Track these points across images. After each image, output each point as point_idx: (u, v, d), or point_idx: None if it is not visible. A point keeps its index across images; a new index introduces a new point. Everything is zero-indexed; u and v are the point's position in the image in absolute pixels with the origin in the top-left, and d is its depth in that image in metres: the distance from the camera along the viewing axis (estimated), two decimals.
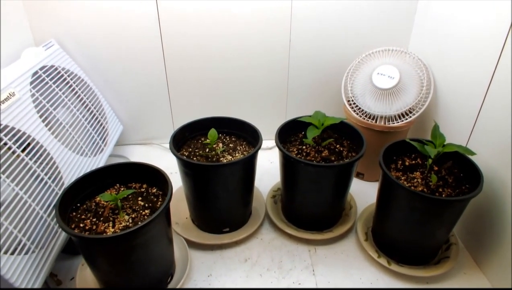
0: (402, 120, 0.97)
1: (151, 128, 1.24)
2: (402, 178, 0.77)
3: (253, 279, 0.80)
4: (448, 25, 0.93)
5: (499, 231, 0.76)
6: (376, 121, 0.99)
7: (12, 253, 0.62)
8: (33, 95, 0.80)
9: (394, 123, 0.97)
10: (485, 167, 0.76)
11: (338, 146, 0.87)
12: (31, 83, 0.82)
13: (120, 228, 0.65)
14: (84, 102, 1.01)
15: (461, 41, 0.87)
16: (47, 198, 0.73)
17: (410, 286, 0.79)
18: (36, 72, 0.85)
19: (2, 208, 0.62)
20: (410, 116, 0.97)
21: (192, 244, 0.86)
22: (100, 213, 0.68)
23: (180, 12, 1.02)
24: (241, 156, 0.83)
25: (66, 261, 0.82)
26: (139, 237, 0.63)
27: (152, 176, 0.74)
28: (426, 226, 0.75)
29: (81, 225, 0.66)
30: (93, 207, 0.70)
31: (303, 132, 0.91)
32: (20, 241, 0.64)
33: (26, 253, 0.65)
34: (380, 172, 0.78)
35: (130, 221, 0.67)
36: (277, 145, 0.83)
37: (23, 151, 0.71)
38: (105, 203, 0.70)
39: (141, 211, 0.69)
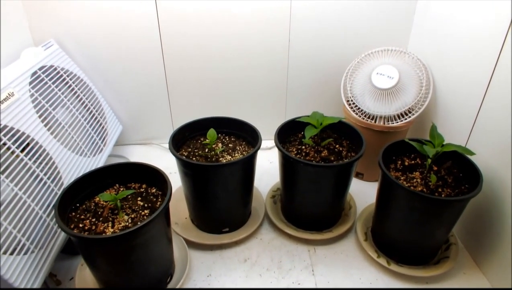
0: (402, 120, 0.97)
1: (150, 128, 1.24)
2: (402, 178, 0.77)
3: (253, 279, 0.80)
4: (447, 25, 0.93)
5: (499, 231, 0.76)
6: (375, 121, 0.99)
7: (12, 253, 0.62)
8: (32, 95, 0.80)
9: (393, 123, 0.97)
10: (484, 166, 0.76)
11: (337, 145, 0.87)
12: (30, 83, 0.82)
13: (120, 228, 0.65)
14: (84, 102, 1.01)
15: (460, 41, 0.87)
16: (47, 198, 0.73)
17: (410, 286, 0.79)
18: (35, 72, 0.85)
19: (2, 208, 0.62)
20: (410, 116, 0.97)
21: (191, 244, 0.86)
22: (99, 213, 0.68)
23: (180, 12, 1.02)
24: (240, 156, 0.83)
25: (66, 261, 0.82)
26: (139, 237, 0.63)
27: (152, 176, 0.74)
28: (425, 226, 0.75)
29: (81, 225, 0.66)
30: (92, 207, 0.70)
31: (302, 133, 0.91)
32: (20, 241, 0.64)
33: (25, 253, 0.65)
34: (379, 172, 0.78)
35: (130, 221, 0.66)
36: (276, 145, 0.83)
37: (22, 151, 0.71)
38: (104, 203, 0.70)
39: (141, 211, 0.69)
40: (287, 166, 0.84)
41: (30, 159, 0.72)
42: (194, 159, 0.82)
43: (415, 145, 0.78)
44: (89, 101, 1.03)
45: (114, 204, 0.67)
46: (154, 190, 0.74)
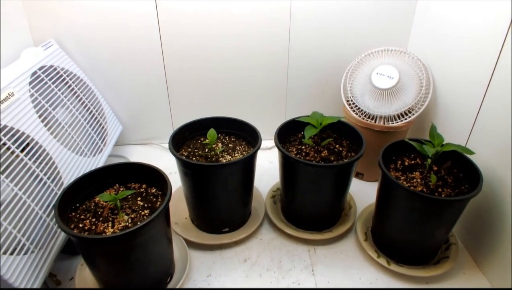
0: (402, 120, 0.97)
1: (150, 128, 1.24)
2: (402, 178, 0.77)
3: (253, 279, 0.80)
4: (447, 25, 0.93)
5: (499, 231, 0.76)
6: (375, 121, 0.99)
7: (12, 253, 0.62)
8: (32, 95, 0.80)
9: (393, 123, 0.97)
10: (484, 166, 0.76)
11: (337, 145, 0.87)
12: (30, 83, 0.82)
13: (120, 228, 0.65)
14: (83, 102, 1.01)
15: (460, 41, 0.87)
16: (46, 198, 0.73)
17: (410, 286, 0.79)
18: (35, 73, 0.85)
19: (2, 208, 0.62)
20: (410, 116, 0.97)
21: (191, 244, 0.86)
22: (99, 213, 0.68)
23: (180, 12, 1.02)
24: (240, 156, 0.83)
25: (66, 261, 0.82)
26: (139, 237, 0.63)
27: (152, 176, 0.74)
28: (425, 226, 0.75)
29: (80, 225, 0.66)
30: (92, 207, 0.70)
31: (302, 133, 0.91)
32: (20, 241, 0.64)
33: (25, 253, 0.65)
34: (379, 172, 0.78)
35: (130, 221, 0.66)
36: (276, 145, 0.83)
37: (22, 151, 0.71)
38: (104, 203, 0.70)
39: (141, 211, 0.69)
40: (287, 166, 0.84)
41: (30, 159, 0.72)
42: (194, 159, 0.82)
43: (415, 144, 0.78)
44: (89, 101, 1.03)
45: (114, 204, 0.67)
46: (154, 190, 0.74)
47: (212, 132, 0.82)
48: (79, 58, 1.06)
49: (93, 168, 0.85)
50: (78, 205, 0.70)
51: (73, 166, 0.84)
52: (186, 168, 0.79)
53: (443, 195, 0.72)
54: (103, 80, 1.11)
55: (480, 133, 0.81)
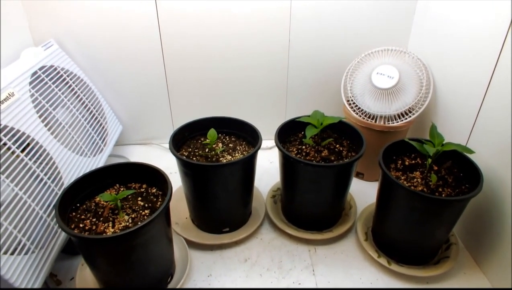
0: (402, 120, 0.97)
1: (150, 128, 1.24)
2: (402, 178, 0.77)
3: (253, 279, 0.80)
4: (447, 25, 0.93)
5: (499, 231, 0.76)
6: (375, 121, 0.99)
7: (12, 253, 0.62)
8: (32, 95, 0.80)
9: (393, 123, 0.97)
10: (484, 166, 0.76)
11: (337, 145, 0.87)
12: (31, 83, 0.82)
13: (120, 228, 0.65)
14: (84, 102, 1.01)
15: (461, 41, 0.87)
16: (47, 198, 0.73)
17: (410, 286, 0.79)
18: (35, 73, 0.85)
19: (2, 208, 0.62)
20: (410, 116, 0.97)
21: (192, 244, 0.86)
22: (99, 213, 0.68)
23: (180, 12, 1.02)
24: (240, 155, 0.83)
25: (66, 261, 0.82)
26: (139, 237, 0.63)
27: (152, 176, 0.74)
28: (426, 226, 0.75)
29: (81, 225, 0.66)
30: (92, 207, 0.70)
31: (302, 132, 0.91)
32: (20, 241, 0.64)
33: (26, 253, 0.65)
34: (379, 172, 0.78)
35: (130, 221, 0.66)
36: (276, 145, 0.83)
37: (22, 151, 0.71)
38: (104, 203, 0.70)
39: (141, 211, 0.69)
40: (288, 165, 0.84)
41: (30, 159, 0.72)
42: (194, 159, 0.82)
43: (415, 144, 0.78)
44: (89, 101, 1.03)
45: (114, 204, 0.67)
46: (154, 190, 0.74)
47: (212, 132, 0.82)
48: (79, 58, 1.06)
49: (94, 167, 0.85)
50: (78, 205, 0.70)
51: (73, 166, 0.84)
52: (187, 168, 0.79)
53: (443, 195, 0.72)
54: (103, 80, 1.11)
55: (480, 133, 0.81)
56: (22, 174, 0.69)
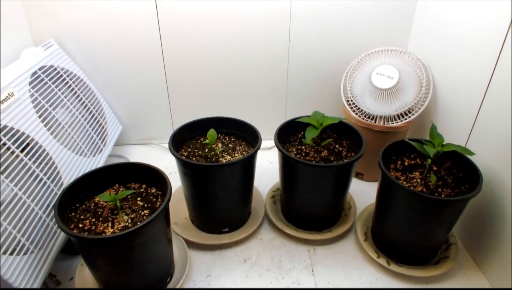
0: (402, 120, 0.97)
1: (150, 128, 1.24)
2: (402, 178, 0.77)
3: (253, 279, 0.80)
4: (447, 25, 0.93)
5: (499, 231, 0.76)
6: (375, 122, 0.99)
7: (11, 253, 0.62)
8: (32, 95, 0.80)
9: (393, 123, 0.97)
10: (484, 167, 0.76)
11: (337, 146, 0.87)
12: (30, 83, 0.82)
13: (119, 228, 0.65)
14: (83, 102, 1.01)
15: (460, 41, 0.87)
16: (46, 198, 0.73)
17: (410, 286, 0.79)
18: (35, 73, 0.85)
19: (2, 208, 0.62)
20: (410, 116, 0.97)
21: (191, 244, 0.86)
22: (99, 213, 0.68)
23: (180, 12, 1.02)
24: (240, 156, 0.83)
25: (65, 261, 0.82)
26: (138, 237, 0.63)
27: (151, 176, 0.74)
28: (425, 226, 0.75)
29: (80, 225, 0.66)
30: (92, 207, 0.70)
31: (302, 133, 0.91)
32: (19, 241, 0.64)
33: (25, 253, 0.65)
34: (379, 172, 0.78)
35: (129, 221, 0.66)
36: (276, 145, 0.83)
37: (22, 151, 0.71)
38: (104, 203, 0.70)
39: (140, 211, 0.69)
40: (287, 166, 0.84)
41: (30, 159, 0.72)
42: (194, 159, 0.82)
43: (415, 144, 0.78)
44: (89, 101, 1.03)
45: (113, 204, 0.67)
46: (154, 190, 0.74)
47: (212, 132, 0.82)
48: (79, 58, 1.06)
49: (93, 168, 0.85)
50: (78, 205, 0.70)
51: (73, 166, 0.84)
52: (186, 168, 0.79)
53: (443, 195, 0.72)
54: (103, 80, 1.11)
55: (480, 133, 0.81)
56: (22, 174, 0.69)
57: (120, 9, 1.00)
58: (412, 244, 0.79)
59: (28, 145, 0.74)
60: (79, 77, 1.02)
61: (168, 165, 0.89)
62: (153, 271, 0.70)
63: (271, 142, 0.94)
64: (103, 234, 0.63)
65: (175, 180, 0.86)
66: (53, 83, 0.90)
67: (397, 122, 0.97)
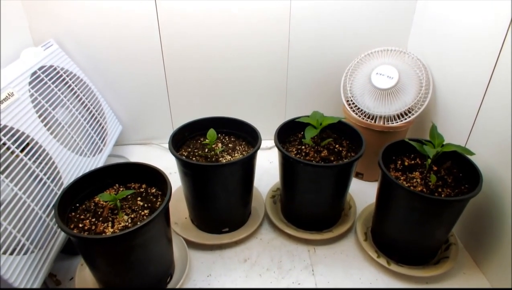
0: (401, 120, 0.97)
1: (150, 128, 1.24)
2: (402, 178, 0.77)
3: (253, 279, 0.80)
4: (447, 25, 0.93)
5: (499, 231, 0.76)
6: (375, 121, 0.99)
7: (12, 253, 0.62)
8: (32, 95, 0.80)
9: (393, 123, 0.97)
10: (484, 166, 0.76)
11: (337, 145, 0.87)
12: (30, 83, 0.82)
13: (119, 228, 0.65)
14: (83, 102, 1.01)
15: (460, 41, 0.87)
16: (46, 198, 0.73)
17: (410, 286, 0.79)
18: (35, 72, 0.85)
19: (2, 208, 0.62)
20: (409, 116, 0.97)
21: (191, 244, 0.86)
22: (99, 213, 0.68)
23: (180, 12, 1.02)
24: (240, 156, 0.83)
25: (65, 261, 0.82)
26: (138, 237, 0.62)
27: (151, 176, 0.74)
28: (425, 226, 0.75)
29: (80, 225, 0.66)
30: (92, 207, 0.70)
31: (302, 133, 0.91)
32: (19, 241, 0.64)
33: (25, 253, 0.65)
34: (379, 172, 0.78)
35: (129, 221, 0.66)
36: (276, 145, 0.83)
37: (22, 151, 0.71)
38: (104, 203, 0.70)
39: (140, 211, 0.69)
40: (287, 166, 0.84)
41: (30, 159, 0.72)
42: (194, 159, 0.82)
43: (415, 145, 0.78)
44: (89, 101, 1.03)
45: (113, 204, 0.67)
46: (154, 190, 0.74)
47: (212, 132, 0.82)
48: (79, 58, 1.06)
49: (93, 168, 0.85)
50: (78, 205, 0.70)
51: (73, 166, 0.84)
52: (186, 168, 0.79)
53: (443, 195, 0.72)
54: (103, 80, 1.11)
55: (480, 133, 0.81)
56: (22, 174, 0.69)
57: (120, 9, 1.00)
58: (412, 244, 0.79)
59: (28, 144, 0.74)
60: (79, 77, 1.02)
61: (168, 164, 0.89)
62: (153, 271, 0.70)
63: (271, 142, 0.94)
64: (103, 234, 0.63)
65: (175, 179, 0.86)
66: (53, 83, 0.90)
67: (397, 122, 0.97)
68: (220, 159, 0.82)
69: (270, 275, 0.81)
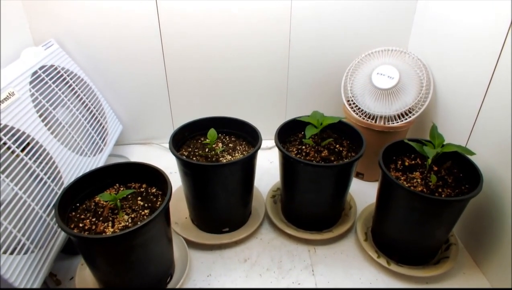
0: (402, 120, 0.97)
1: (150, 128, 1.24)
2: (402, 178, 0.77)
3: (253, 279, 0.80)
4: (447, 25, 0.93)
5: (499, 231, 0.76)
6: (375, 121, 0.99)
7: (12, 253, 0.62)
8: (32, 95, 0.80)
9: (393, 123, 0.97)
10: (484, 167, 0.76)
11: (337, 145, 0.87)
12: (31, 83, 0.82)
13: (120, 228, 0.65)
14: (84, 102, 1.01)
15: (461, 41, 0.87)
16: (47, 198, 0.73)
17: (410, 286, 0.79)
18: (35, 72, 0.85)
19: (2, 207, 0.62)
20: (410, 116, 0.97)
21: (191, 244, 0.86)
22: (99, 212, 0.68)
23: (180, 12, 1.02)
24: (240, 155, 0.83)
25: (66, 261, 0.82)
26: (139, 237, 0.63)
27: (152, 176, 0.74)
28: (425, 226, 0.75)
29: (81, 224, 0.66)
30: (92, 206, 0.70)
31: (302, 132, 0.91)
32: (20, 240, 0.64)
33: (25, 253, 0.65)
34: (379, 172, 0.78)
35: (130, 220, 0.66)
36: (276, 145, 0.83)
37: (22, 150, 0.71)
38: (104, 203, 0.70)
39: (141, 211, 0.69)
40: (287, 165, 0.84)
41: (30, 159, 0.72)
42: (194, 158, 0.82)
43: (415, 145, 0.78)
44: (89, 101, 1.03)
45: (114, 203, 0.67)
46: (154, 190, 0.74)
47: (212, 132, 0.82)
48: (79, 58, 1.06)
49: (94, 167, 0.85)
50: (78, 204, 0.70)
51: (73, 166, 0.84)
52: (186, 167, 0.79)
53: (443, 195, 0.72)
54: (103, 80, 1.11)
55: (480, 133, 0.81)
56: (22, 173, 0.69)
57: (120, 9, 1.00)
58: (412, 244, 0.79)
59: (28, 144, 0.74)
60: (79, 77, 1.02)
61: (168, 164, 0.89)
62: (153, 270, 0.70)
63: (272, 142, 0.94)
64: (104, 234, 0.63)
65: (175, 179, 0.87)
66: (53, 82, 0.90)
67: (398, 122, 0.97)
68: (221, 158, 0.82)
69: (270, 275, 0.81)
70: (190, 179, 0.81)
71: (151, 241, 0.66)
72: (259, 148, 0.81)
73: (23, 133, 0.73)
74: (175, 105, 1.20)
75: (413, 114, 0.97)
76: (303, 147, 0.86)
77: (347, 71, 1.06)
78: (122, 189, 0.75)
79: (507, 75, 0.72)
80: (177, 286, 0.75)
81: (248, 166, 0.83)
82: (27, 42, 1.00)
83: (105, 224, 0.65)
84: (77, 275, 0.76)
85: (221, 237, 0.88)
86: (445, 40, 0.94)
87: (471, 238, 0.86)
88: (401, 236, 0.79)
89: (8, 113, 0.71)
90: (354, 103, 1.03)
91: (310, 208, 0.88)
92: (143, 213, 0.68)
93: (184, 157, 0.80)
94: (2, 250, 0.60)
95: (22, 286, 0.62)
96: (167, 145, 0.82)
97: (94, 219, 0.67)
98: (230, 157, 0.83)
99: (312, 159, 0.82)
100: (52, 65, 0.93)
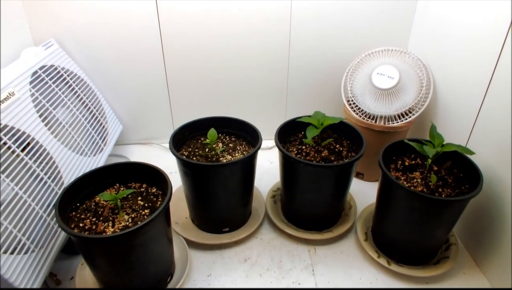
0: (402, 120, 0.97)
1: (151, 128, 1.24)
2: (402, 178, 0.77)
3: (253, 279, 0.80)
4: (447, 25, 0.93)
5: (499, 231, 0.76)
6: (375, 121, 0.99)
7: (12, 253, 0.62)
8: (32, 95, 0.80)
9: (393, 123, 0.97)
10: (484, 167, 0.76)
11: (337, 145, 0.87)
12: (31, 82, 0.82)
13: (120, 227, 0.65)
14: (84, 102, 1.01)
15: (461, 41, 0.87)
16: (47, 198, 0.73)
17: (410, 286, 0.79)
18: (35, 72, 0.85)
19: (2, 207, 0.62)
20: (410, 116, 0.97)
21: (191, 244, 0.86)
22: (99, 212, 0.68)
23: (180, 12, 1.02)
24: (240, 155, 0.83)
25: (66, 261, 0.82)
26: (139, 236, 0.63)
27: (152, 176, 0.74)
28: (425, 226, 0.75)
29: (81, 224, 0.66)
30: (92, 206, 0.70)
31: (302, 132, 0.91)
32: (20, 240, 0.64)
33: (25, 253, 0.65)
34: (379, 172, 0.78)
35: (130, 220, 0.66)
36: (276, 145, 0.83)
37: (22, 150, 0.71)
38: (104, 203, 0.70)
39: (141, 211, 0.69)
40: (288, 165, 0.84)
41: (30, 159, 0.72)
42: (194, 158, 0.82)
43: (415, 145, 0.78)
44: (89, 101, 1.03)
45: (114, 203, 0.67)
46: (154, 190, 0.74)
47: (212, 132, 0.82)
48: (79, 58, 1.06)
49: (94, 167, 0.85)
50: (78, 204, 0.70)
51: (73, 165, 0.84)
52: (187, 167, 0.79)
53: (443, 195, 0.72)
54: (103, 80, 1.11)
55: (480, 133, 0.81)
56: (22, 173, 0.69)
57: (120, 9, 1.00)
58: (412, 244, 0.79)
59: (28, 144, 0.74)
60: (79, 77, 1.02)
61: (168, 164, 0.89)
62: (154, 270, 0.70)
63: (272, 142, 0.94)
64: (104, 234, 0.63)
65: (176, 179, 0.87)
66: (53, 82, 0.91)
67: (398, 122, 0.97)
68: (221, 158, 0.82)
69: (270, 275, 0.81)
70: (190, 179, 0.81)
71: (151, 241, 0.66)
72: (259, 148, 0.81)
73: (23, 133, 0.73)
74: (175, 105, 1.20)
75: (413, 114, 0.97)
76: (303, 147, 0.86)
77: (347, 71, 1.06)
78: (122, 188, 0.75)
79: (507, 75, 0.72)
80: (177, 286, 0.75)
81: (248, 166, 0.83)
82: (27, 42, 1.00)
83: (105, 224, 0.65)
84: (77, 275, 0.76)
85: (221, 237, 0.88)
86: (445, 40, 0.94)
87: (471, 238, 0.86)
88: (401, 236, 0.79)
89: (8, 113, 0.71)
90: (354, 103, 1.03)
91: (310, 208, 0.88)
92: (143, 212, 0.68)
93: (184, 157, 0.80)
94: (2, 250, 0.60)
95: (22, 286, 0.62)
96: (167, 145, 0.82)
97: (94, 219, 0.67)
98: (230, 157, 0.83)
99: (312, 159, 0.82)
100: (52, 65, 0.93)
